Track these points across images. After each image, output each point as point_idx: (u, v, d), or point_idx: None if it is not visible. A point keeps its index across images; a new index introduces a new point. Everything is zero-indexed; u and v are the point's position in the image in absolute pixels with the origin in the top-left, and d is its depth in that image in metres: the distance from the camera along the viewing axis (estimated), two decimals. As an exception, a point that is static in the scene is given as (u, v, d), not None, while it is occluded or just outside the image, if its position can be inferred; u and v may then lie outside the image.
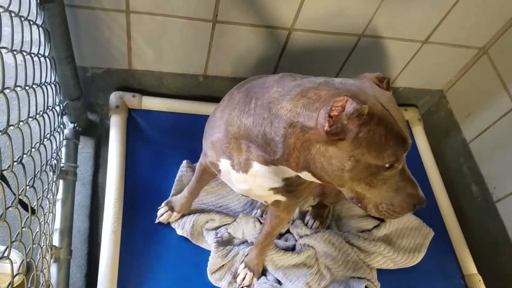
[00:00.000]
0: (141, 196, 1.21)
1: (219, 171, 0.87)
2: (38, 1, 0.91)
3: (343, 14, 1.23)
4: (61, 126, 1.22)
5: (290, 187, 0.81)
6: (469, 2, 1.26)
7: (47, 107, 1.04)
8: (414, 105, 1.69)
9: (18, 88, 0.80)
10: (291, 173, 0.76)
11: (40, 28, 0.96)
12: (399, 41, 1.38)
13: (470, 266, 1.36)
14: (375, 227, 1.31)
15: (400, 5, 1.24)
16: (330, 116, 0.60)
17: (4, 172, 0.72)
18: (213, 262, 1.13)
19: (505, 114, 1.38)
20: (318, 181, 0.70)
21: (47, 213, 1.01)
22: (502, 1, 1.28)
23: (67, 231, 1.13)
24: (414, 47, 1.41)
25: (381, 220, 1.33)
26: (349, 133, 0.61)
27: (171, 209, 1.16)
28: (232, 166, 0.81)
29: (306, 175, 0.70)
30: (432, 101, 1.69)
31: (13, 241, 0.74)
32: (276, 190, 0.82)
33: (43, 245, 0.95)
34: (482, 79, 1.47)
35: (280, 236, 1.25)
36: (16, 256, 1.02)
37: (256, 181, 0.80)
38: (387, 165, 0.64)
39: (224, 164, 0.83)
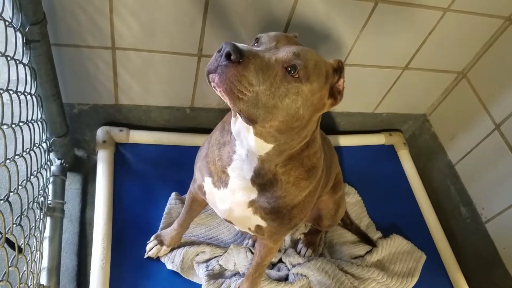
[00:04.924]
0: (130, 230, 1.19)
1: (204, 193, 0.89)
2: (24, 40, 0.92)
3: (324, 45, 1.27)
4: (48, 163, 1.21)
5: (266, 198, 0.80)
6: (445, 30, 1.31)
7: (34, 144, 1.04)
8: (398, 130, 1.72)
9: (5, 127, 0.80)
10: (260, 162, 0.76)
11: (26, 67, 0.96)
12: (380, 69, 1.41)
13: (463, 287, 1.36)
14: (367, 252, 1.31)
15: (378, 35, 1.28)
16: None
17: (-10, 211, 0.71)
18: (204, 296, 1.11)
19: (487, 136, 1.41)
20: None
21: (34, 252, 0.99)
22: (477, 27, 1.34)
23: (55, 269, 1.11)
24: (395, 73, 1.45)
25: (373, 245, 1.33)
26: None
27: (161, 243, 1.15)
28: (214, 184, 0.84)
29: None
30: (415, 125, 1.72)
31: (0, 281, 0.72)
32: (254, 206, 0.82)
33: (31, 284, 0.92)
34: (463, 102, 1.51)
35: (273, 266, 1.24)
36: (2, 298, 0.99)
37: (236, 196, 0.81)
38: None
39: (208, 184, 0.86)
